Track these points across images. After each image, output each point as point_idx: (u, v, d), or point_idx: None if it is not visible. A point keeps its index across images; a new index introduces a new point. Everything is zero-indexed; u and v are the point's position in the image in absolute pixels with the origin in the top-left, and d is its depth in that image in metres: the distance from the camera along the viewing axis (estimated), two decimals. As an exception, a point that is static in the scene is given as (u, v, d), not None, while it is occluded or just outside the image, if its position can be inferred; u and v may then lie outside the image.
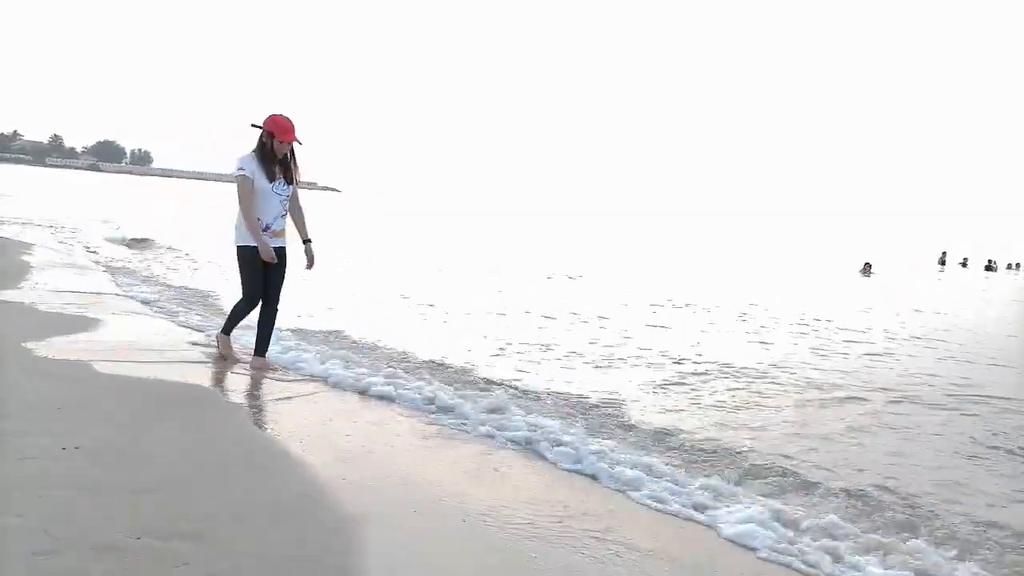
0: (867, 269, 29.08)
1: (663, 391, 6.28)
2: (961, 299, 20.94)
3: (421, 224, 42.88)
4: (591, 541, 3.23)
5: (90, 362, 5.25)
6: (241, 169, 5.33)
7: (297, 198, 5.66)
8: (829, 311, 13.40)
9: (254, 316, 5.70)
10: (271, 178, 5.39)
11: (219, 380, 5.39)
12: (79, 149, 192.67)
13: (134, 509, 3.01)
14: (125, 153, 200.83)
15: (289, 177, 5.51)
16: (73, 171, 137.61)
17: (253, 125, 5.42)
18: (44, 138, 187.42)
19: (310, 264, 5.72)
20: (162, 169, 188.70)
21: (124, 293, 8.81)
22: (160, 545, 2.74)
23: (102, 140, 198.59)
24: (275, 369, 5.69)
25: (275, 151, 5.37)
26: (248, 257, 5.45)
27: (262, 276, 5.49)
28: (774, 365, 7.82)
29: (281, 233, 5.58)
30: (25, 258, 11.09)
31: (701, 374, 7.07)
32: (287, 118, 5.39)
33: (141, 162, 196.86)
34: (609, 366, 7.20)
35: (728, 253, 36.24)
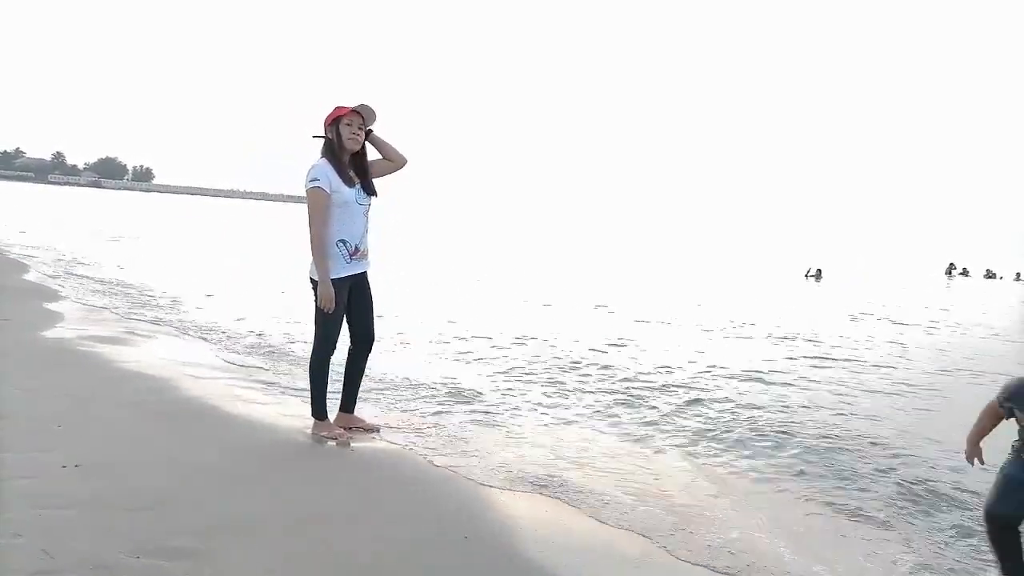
0: (818, 275, 28.46)
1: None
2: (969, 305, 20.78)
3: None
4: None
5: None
6: (315, 180, 4.30)
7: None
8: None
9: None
10: (350, 183, 4.40)
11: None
12: (81, 166, 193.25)
13: (133, 527, 2.98)
14: (127, 170, 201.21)
15: (369, 186, 4.53)
16: (76, 188, 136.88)
17: (315, 136, 4.47)
18: (47, 155, 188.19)
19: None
20: (164, 185, 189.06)
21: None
22: (160, 564, 2.71)
23: (103, 157, 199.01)
24: (369, 428, 4.70)
25: (344, 141, 4.38)
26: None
27: (341, 318, 4.48)
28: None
29: (367, 253, 4.61)
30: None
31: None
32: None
33: (143, 179, 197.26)
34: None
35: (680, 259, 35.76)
